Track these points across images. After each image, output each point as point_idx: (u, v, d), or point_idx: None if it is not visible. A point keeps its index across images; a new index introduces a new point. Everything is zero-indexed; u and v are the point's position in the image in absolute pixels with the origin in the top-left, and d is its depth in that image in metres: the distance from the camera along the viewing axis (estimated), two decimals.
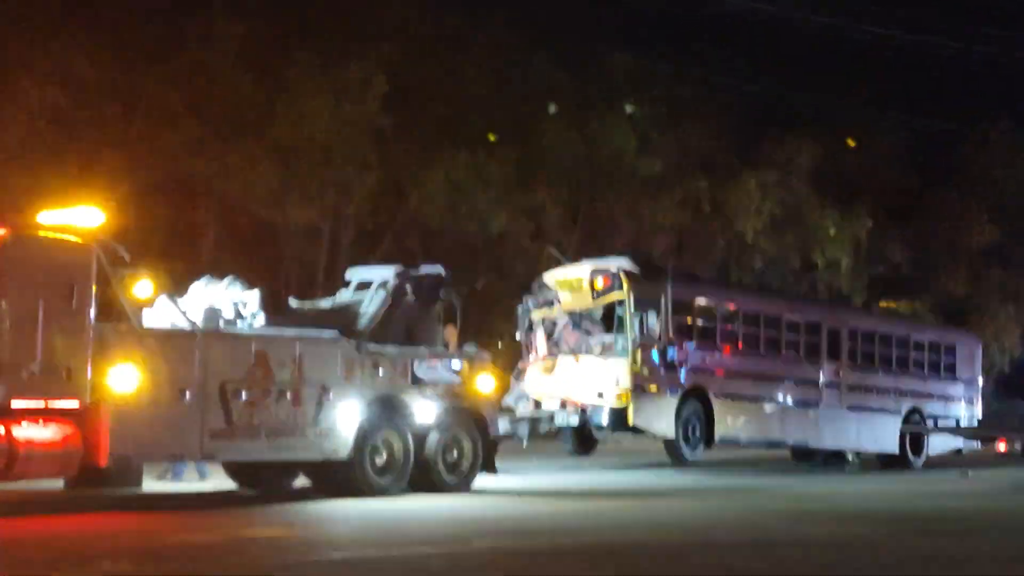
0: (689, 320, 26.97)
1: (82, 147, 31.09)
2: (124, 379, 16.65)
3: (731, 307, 28.38)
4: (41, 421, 15.96)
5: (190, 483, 20.92)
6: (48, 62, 31.12)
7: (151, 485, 19.65)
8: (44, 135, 30.70)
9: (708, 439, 26.91)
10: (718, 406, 26.93)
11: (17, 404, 15.84)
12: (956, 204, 53.79)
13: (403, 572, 12.29)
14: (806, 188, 48.31)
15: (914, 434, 31.31)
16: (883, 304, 49.69)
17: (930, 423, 31.69)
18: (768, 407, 28.27)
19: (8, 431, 15.59)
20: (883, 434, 30.73)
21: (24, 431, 15.72)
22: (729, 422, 27.27)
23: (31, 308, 15.96)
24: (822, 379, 29.61)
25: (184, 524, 16.08)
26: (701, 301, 27.61)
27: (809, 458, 30.74)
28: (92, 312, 16.55)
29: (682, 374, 26.37)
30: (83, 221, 17.16)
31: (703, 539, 15.50)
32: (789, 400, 28.73)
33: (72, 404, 16.28)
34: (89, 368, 16.40)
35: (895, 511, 19.85)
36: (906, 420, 31.26)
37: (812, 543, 15.39)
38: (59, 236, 16.63)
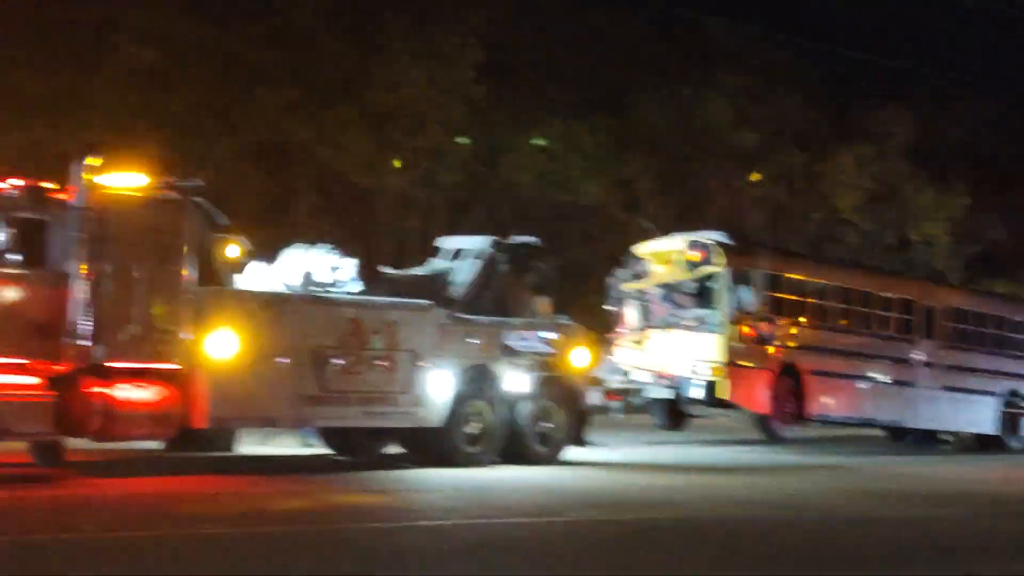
0: (783, 295, 26.68)
1: (179, 108, 31.32)
2: (221, 343, 16.77)
3: (825, 283, 28.02)
4: (142, 383, 16.11)
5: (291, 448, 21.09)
6: (144, 21, 31.33)
7: (247, 448, 19.79)
8: (141, 95, 30.95)
9: (800, 416, 26.64)
10: (811, 383, 26.63)
11: (117, 365, 16.01)
12: None
13: (493, 542, 12.26)
14: (902, 162, 47.67)
15: (1012, 415, 30.79)
16: (980, 283, 48.91)
17: None
18: (862, 385, 27.90)
19: (108, 392, 15.76)
20: (980, 415, 30.24)
21: (123, 392, 15.89)
22: (822, 399, 26.96)
23: (130, 270, 16.13)
24: (917, 358, 29.17)
25: (280, 488, 16.20)
26: (795, 276, 27.28)
27: (903, 437, 30.36)
28: (190, 275, 16.67)
29: (775, 350, 26.10)
30: (180, 183, 17.27)
31: (793, 516, 15.34)
32: (883, 378, 28.33)
33: (171, 366, 16.43)
34: (187, 331, 16.52)
35: (990, 493, 19.55)
36: (1004, 401, 30.74)
37: (904, 523, 15.18)
38: (157, 198, 16.74)
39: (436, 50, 35.73)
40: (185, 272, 16.64)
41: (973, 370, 30.33)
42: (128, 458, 17.96)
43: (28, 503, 13.83)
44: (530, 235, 22.72)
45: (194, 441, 18.04)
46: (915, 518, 15.83)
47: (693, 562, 11.54)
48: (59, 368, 15.56)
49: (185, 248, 16.67)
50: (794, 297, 26.94)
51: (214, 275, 17.34)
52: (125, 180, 16.70)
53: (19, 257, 15.24)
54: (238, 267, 18.29)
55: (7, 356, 15.24)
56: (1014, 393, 31.04)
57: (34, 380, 15.42)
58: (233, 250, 18.14)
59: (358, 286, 19.37)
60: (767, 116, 44.30)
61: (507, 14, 38.92)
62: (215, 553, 11.00)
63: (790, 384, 26.28)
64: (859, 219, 46.44)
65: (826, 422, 28.28)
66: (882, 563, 11.90)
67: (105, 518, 12.83)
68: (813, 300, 27.38)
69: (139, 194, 16.67)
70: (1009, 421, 30.75)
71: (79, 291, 15.55)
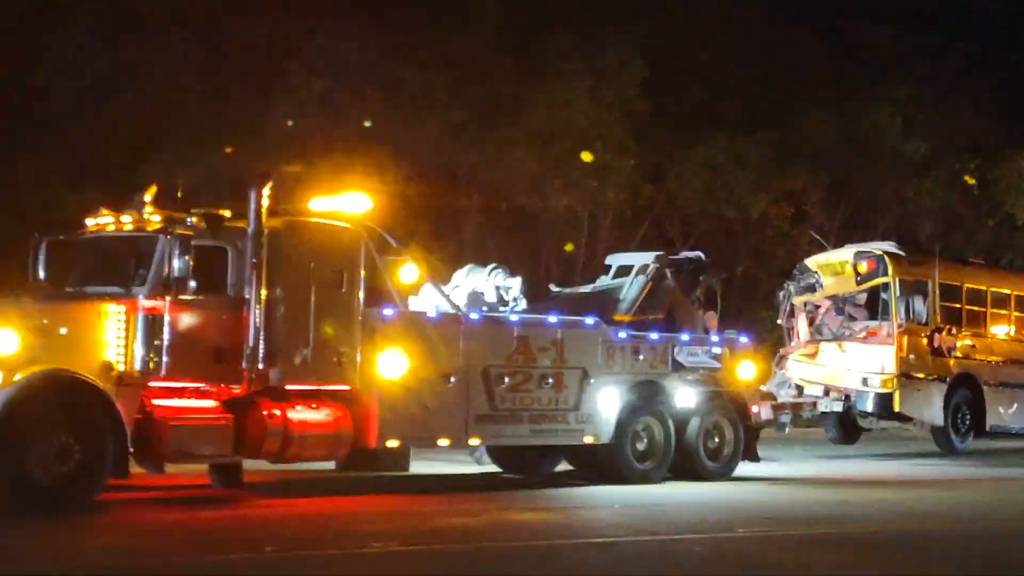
0: (957, 304, 26.22)
1: (348, 133, 31.88)
2: (392, 363, 17.04)
3: (1001, 291, 27.44)
4: (314, 404, 16.46)
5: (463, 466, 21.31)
6: (314, 48, 31.98)
7: (418, 467, 20.06)
8: (312, 121, 31.57)
9: (978, 428, 26.09)
10: (989, 394, 26.10)
11: (291, 387, 16.38)
12: None
13: (663, 559, 12.26)
14: None
15: None
16: None
17: None
18: None
19: (284, 414, 16.12)
20: None
21: (298, 414, 16.23)
22: (1001, 410, 26.41)
23: (304, 294, 16.47)
24: None
25: (450, 506, 16.37)
26: (969, 285, 26.80)
27: None
28: (361, 297, 16.98)
29: (950, 360, 25.64)
30: (351, 207, 17.62)
31: (970, 529, 15.04)
32: None
33: (343, 388, 16.75)
34: (359, 352, 16.84)
35: None
36: None
37: None
38: (329, 223, 17.11)
39: (599, 67, 35.80)
40: (358, 295, 16.96)
41: None
42: (302, 479, 18.33)
43: (209, 524, 14.21)
44: (697, 250, 22.70)
45: (366, 461, 18.32)
46: None
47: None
48: (236, 391, 15.97)
49: (357, 271, 16.98)
50: (968, 306, 26.45)
51: (387, 297, 17.66)
52: (298, 206, 17.11)
53: (197, 284, 15.66)
54: (412, 289, 18.60)
55: (187, 381, 15.67)
56: None
57: (212, 403, 15.83)
58: (408, 272, 18.46)
59: (525, 305, 19.54)
60: (937, 124, 43.45)
61: (670, 28, 38.82)
62: (389, 570, 11.19)
63: (966, 395, 25.79)
64: None
65: (1005, 434, 27.63)
66: None
67: (285, 537, 13.13)
68: (989, 308, 26.83)
69: (310, 220, 17.05)
70: None
71: (255, 316, 15.94)
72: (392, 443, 17.30)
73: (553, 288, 22.70)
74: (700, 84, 39.53)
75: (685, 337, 20.18)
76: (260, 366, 15.93)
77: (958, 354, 25.77)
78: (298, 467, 17.67)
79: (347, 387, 16.78)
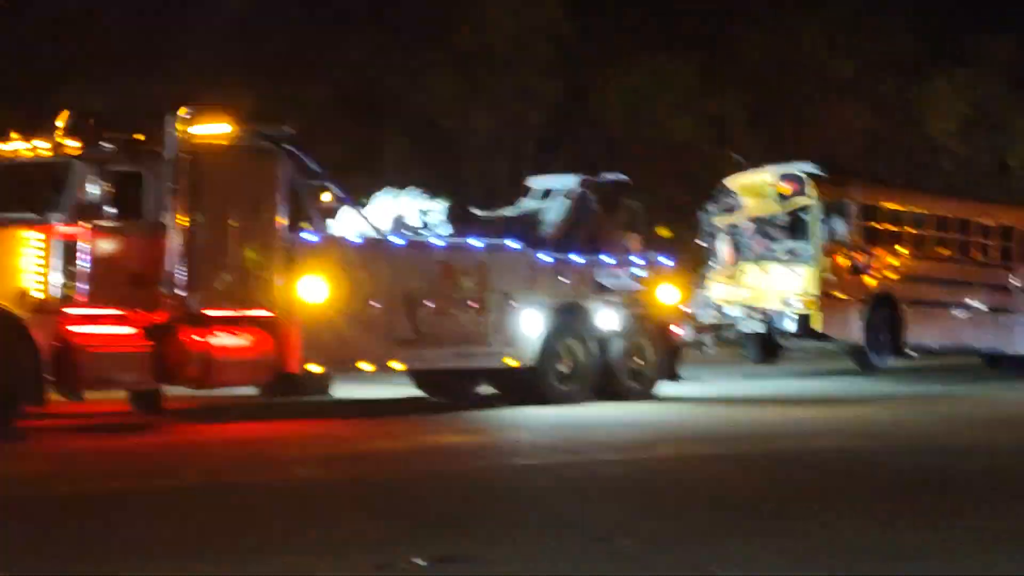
0: (877, 225, 26.39)
1: (267, 56, 31.52)
2: (314, 288, 16.96)
3: (920, 212, 27.67)
4: (235, 330, 16.37)
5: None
6: None
7: (341, 392, 20.04)
8: (228, 43, 31.15)
9: (897, 346, 26.42)
10: (907, 313, 26.37)
11: (212, 313, 16.27)
12: None
13: (588, 478, 12.36)
14: (1001, 86, 46.75)
15: None
16: None
17: None
18: (959, 313, 27.57)
19: (204, 340, 16.04)
20: None
21: (219, 340, 16.15)
22: (919, 329, 26.69)
23: (223, 219, 16.35)
24: (1015, 284, 28.78)
25: (373, 431, 16.39)
26: (889, 206, 26.97)
27: (1000, 365, 29.99)
28: (282, 222, 16.85)
29: (870, 280, 25.87)
30: (271, 131, 17.43)
31: (888, 446, 15.27)
32: (981, 306, 27.99)
33: (264, 313, 16.67)
34: (280, 277, 16.74)
35: None
36: None
37: (1007, 450, 15.05)
38: (248, 147, 16.93)
39: None
40: (278, 220, 16.83)
41: None
42: (224, 405, 18.27)
43: (130, 451, 14.15)
44: (620, 173, 22.68)
45: (289, 386, 18.28)
46: (1019, 445, 15.68)
47: (784, 493, 11.55)
48: (156, 318, 15.85)
49: (278, 196, 16.84)
50: (889, 227, 26.64)
51: (309, 222, 17.55)
52: (216, 130, 16.90)
53: (114, 210, 15.47)
54: (331, 213, 18.48)
55: (105, 307, 15.53)
56: None
57: (131, 330, 15.70)
58: (331, 196, 18.35)
59: (448, 228, 19.48)
60: (862, 44, 43.64)
61: None
62: (314, 496, 11.19)
63: (885, 314, 26.06)
64: (954, 145, 45.69)
65: (923, 352, 28.01)
66: (992, 491, 11.80)
67: (207, 464, 13.09)
68: (908, 229, 27.05)
69: (231, 143, 16.87)
70: None
71: (174, 242, 15.79)
72: (314, 368, 17.27)
73: (476, 211, 22.62)
74: (625, 4, 39.40)
75: (607, 259, 20.24)
76: (180, 292, 15.83)
77: (877, 274, 26.00)
78: (220, 393, 17.59)
79: (269, 312, 16.70)
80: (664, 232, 21.29)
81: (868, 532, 9.65)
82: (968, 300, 27.72)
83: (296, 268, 16.90)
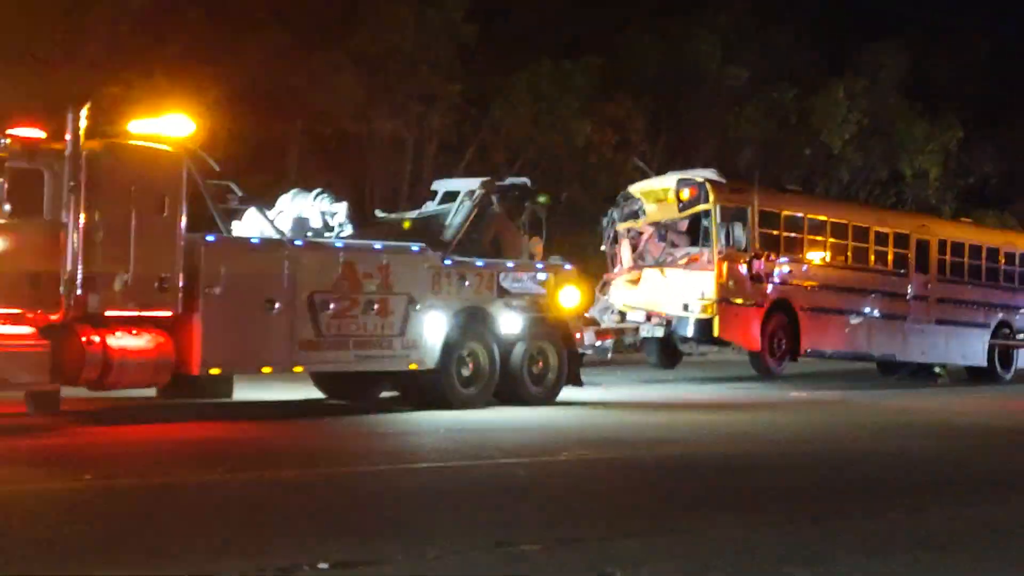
0: (775, 232, 26.73)
1: (168, 55, 31.17)
2: (216, 289, 16.82)
3: (818, 219, 28.06)
4: (134, 331, 16.20)
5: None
6: None
7: (242, 394, 19.89)
8: (129, 42, 30.77)
9: (794, 352, 26.77)
10: (804, 319, 26.73)
11: (111, 314, 16.09)
12: None
13: (490, 482, 12.39)
14: (895, 96, 47.58)
15: (1003, 347, 30.97)
16: (972, 216, 48.98)
17: (1020, 336, 31.29)
18: (855, 320, 28.03)
19: (103, 340, 15.87)
20: (971, 347, 30.43)
21: (118, 340, 15.98)
22: (815, 335, 27.08)
23: (123, 218, 16.17)
24: (910, 292, 29.30)
25: (274, 434, 16.31)
26: (787, 212, 27.35)
27: (896, 371, 30.54)
28: (183, 222, 16.71)
29: (768, 286, 26.19)
30: (173, 131, 17.31)
31: (784, 451, 15.48)
32: (876, 313, 28.47)
33: (164, 314, 16.51)
34: (181, 278, 16.59)
35: (981, 425, 19.71)
36: (995, 333, 30.91)
37: (896, 456, 15.34)
38: (149, 146, 16.79)
39: None
40: (180, 219, 16.68)
41: (965, 303, 30.49)
42: (123, 406, 18.06)
43: (25, 452, 13.93)
44: (522, 176, 22.79)
45: (189, 388, 18.11)
46: (907, 450, 16.00)
47: (678, 496, 11.67)
48: (53, 318, 15.64)
49: (179, 196, 16.69)
50: (786, 233, 27.01)
51: (210, 222, 17.42)
52: (117, 128, 16.72)
53: (11, 207, 15.25)
54: (234, 214, 18.35)
55: (1, 306, 15.29)
56: (1005, 325, 31.22)
57: (29, 330, 15.50)
58: (233, 196, 18.22)
59: (351, 230, 19.43)
60: (758, 52, 44.18)
61: None
62: (210, 499, 11.10)
63: (783, 320, 26.41)
64: (851, 154, 46.41)
65: (819, 357, 28.43)
66: (874, 495, 12.04)
67: (104, 465, 12.93)
68: (805, 236, 27.44)
69: (130, 143, 16.70)
70: (1000, 353, 30.94)
71: (73, 241, 15.59)
72: (215, 370, 17.14)
73: (379, 214, 22.62)
74: (527, 9, 39.52)
75: (510, 263, 20.30)
76: (78, 292, 15.65)
77: (775, 280, 26.33)
78: (118, 394, 17.40)
79: (169, 313, 16.54)
80: (545, 199, 21.31)
81: (757, 533, 9.80)
82: (864, 307, 28.18)
83: (197, 269, 16.74)
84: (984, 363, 30.70)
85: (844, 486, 12.70)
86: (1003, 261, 31.91)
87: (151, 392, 18.20)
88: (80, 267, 15.64)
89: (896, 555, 9.15)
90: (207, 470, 12.75)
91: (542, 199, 21.40)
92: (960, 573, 8.70)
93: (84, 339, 15.76)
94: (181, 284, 16.59)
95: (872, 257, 28.76)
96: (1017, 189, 52.59)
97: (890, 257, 29.10)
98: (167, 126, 17.61)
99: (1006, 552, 9.42)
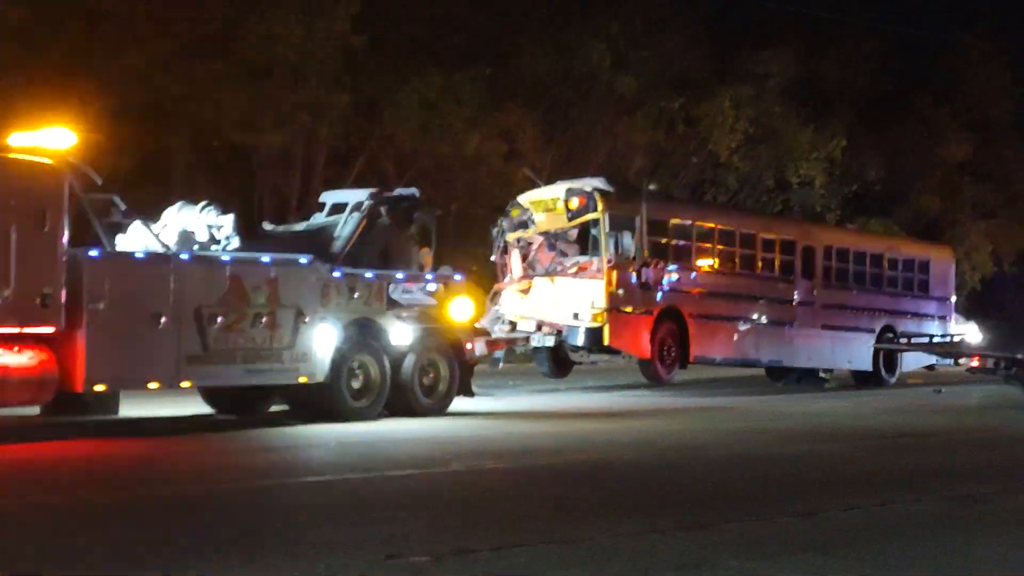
0: (664, 240, 26.93)
1: (48, 67, 30.66)
2: (99, 305, 16.54)
3: (706, 226, 28.33)
4: (16, 348, 15.88)
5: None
6: None
7: (128, 411, 19.59)
8: (7, 53, 30.22)
9: (683, 359, 26.98)
10: (693, 326, 26.96)
11: None
12: (931, 114, 53.74)
13: (380, 494, 12.31)
14: (781, 104, 48.21)
15: (888, 351, 31.48)
16: (857, 221, 49.80)
17: (903, 341, 31.85)
18: (743, 326, 28.34)
19: None
20: (857, 352, 30.90)
21: None
22: (704, 342, 27.33)
23: (3, 234, 15.84)
24: (796, 298, 29.69)
25: (160, 450, 16.08)
26: (676, 221, 27.57)
27: (784, 377, 30.90)
28: (65, 237, 16.41)
29: (657, 294, 26.38)
30: (53, 144, 17.02)
31: (676, 457, 15.57)
32: (764, 319, 28.80)
33: (47, 330, 16.19)
34: (64, 293, 16.28)
35: (868, 428, 20.00)
36: (879, 338, 31.42)
37: (786, 459, 15.52)
38: (29, 159, 16.47)
39: (311, 1, 35.30)
40: (62, 234, 16.37)
41: (850, 308, 30.98)
42: (5, 425, 17.68)
43: None
44: (412, 187, 22.72)
45: (73, 406, 17.79)
46: (796, 455, 16.18)
47: (576, 506, 11.67)
48: None
49: (60, 210, 16.37)
50: (675, 241, 27.23)
51: (93, 237, 17.12)
52: None
53: None
54: (118, 228, 18.07)
55: None
56: (889, 329, 31.77)
57: None
58: (116, 210, 17.94)
59: (238, 243, 19.23)
60: (647, 60, 44.52)
61: None
62: (94, 519, 10.90)
63: (672, 328, 26.60)
64: (738, 162, 46.94)
65: (708, 364, 28.68)
66: (765, 500, 12.15)
67: None
68: (694, 243, 27.68)
69: (9, 156, 16.37)
70: (885, 357, 31.45)
71: None
72: (100, 387, 16.86)
73: (267, 226, 22.41)
74: (415, 19, 39.46)
75: (400, 275, 20.22)
76: None
77: (664, 288, 26.52)
78: None
79: (52, 329, 16.23)
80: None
81: (649, 541, 9.83)
82: (751, 313, 28.49)
83: (80, 284, 16.45)
84: (870, 367, 31.20)
85: (736, 491, 12.79)
86: (887, 267, 32.48)
87: (34, 411, 17.87)
88: None
89: (783, 558, 9.23)
90: (93, 490, 12.51)
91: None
92: (846, 575, 8.79)
93: None
94: (64, 300, 16.29)
95: (759, 264, 29.10)
96: (900, 195, 53.59)
97: (776, 264, 29.47)
98: (47, 139, 17.32)
99: (895, 553, 9.53)
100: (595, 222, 25.92)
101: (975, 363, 29.96)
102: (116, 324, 16.72)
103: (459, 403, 20.79)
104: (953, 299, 35.49)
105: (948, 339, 32.91)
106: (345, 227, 20.45)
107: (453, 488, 12.90)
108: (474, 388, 21.26)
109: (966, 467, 15.18)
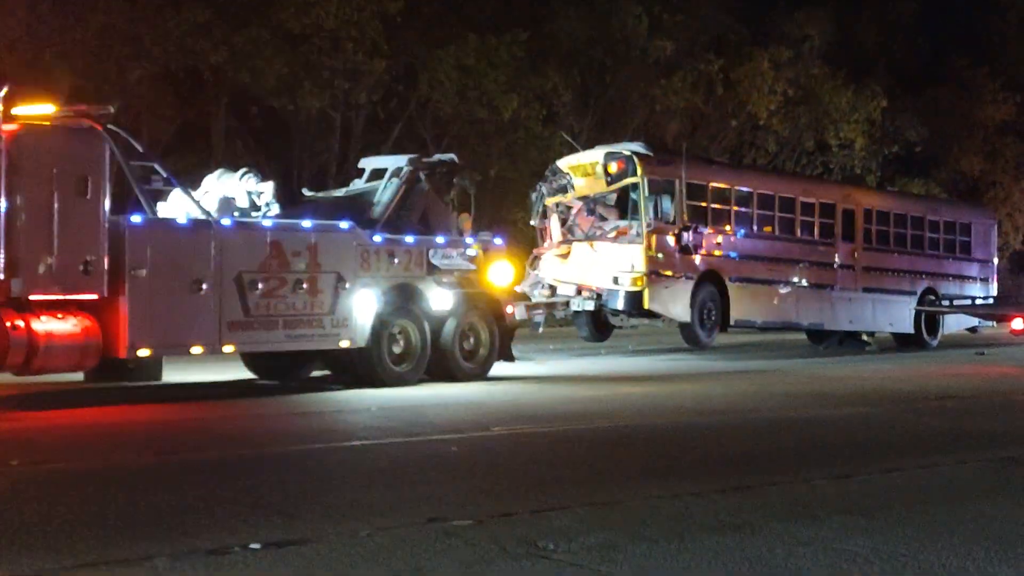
0: (703, 203, 26.87)
1: (88, 35, 30.77)
2: (142, 271, 16.66)
3: (745, 190, 28.24)
4: (60, 315, 16.01)
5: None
6: None
7: (171, 377, 19.74)
8: (49, 21, 30.34)
9: (724, 322, 26.96)
10: (733, 289, 26.93)
11: (35, 298, 15.89)
12: (970, 75, 53.27)
13: (423, 458, 12.37)
14: (819, 66, 47.86)
15: (929, 314, 31.34)
16: (897, 184, 49.50)
17: (946, 303, 31.69)
18: (783, 290, 28.27)
19: (27, 325, 15.67)
20: (898, 315, 30.79)
21: (43, 325, 15.79)
22: (744, 305, 27.28)
23: (46, 201, 15.95)
24: (837, 261, 29.58)
25: (203, 415, 16.19)
26: (715, 184, 27.48)
27: (825, 340, 30.82)
28: (108, 204, 16.51)
29: (697, 258, 26.33)
30: (94, 112, 17.07)
31: (717, 421, 15.57)
32: (804, 282, 28.72)
33: (90, 297, 16.33)
34: (107, 261, 16.40)
35: (910, 391, 19.91)
36: (921, 300, 31.29)
37: (828, 423, 15.49)
38: (71, 128, 16.56)
39: None
40: (104, 201, 16.48)
41: (891, 271, 30.86)
42: (50, 391, 17.86)
43: None
44: (450, 153, 22.73)
45: (118, 371, 17.95)
46: (837, 417, 16.15)
47: (616, 470, 11.70)
48: None
49: (102, 178, 16.48)
50: (714, 205, 27.16)
51: (135, 203, 17.23)
52: (37, 110, 16.48)
53: None
54: (159, 195, 18.17)
55: None
56: (931, 292, 31.63)
57: None
58: (159, 176, 18.05)
59: (278, 209, 19.31)
60: (684, 24, 44.25)
61: None
62: (142, 481, 11.01)
63: (712, 291, 26.57)
64: (777, 124, 46.67)
65: (749, 327, 28.63)
66: (806, 463, 12.14)
67: (32, 450, 12.78)
68: (733, 207, 27.61)
69: (52, 124, 16.47)
70: (927, 320, 31.32)
71: None
72: (143, 352, 16.97)
73: (306, 192, 22.50)
74: None
75: (440, 240, 20.26)
76: (1, 276, 15.40)
77: (704, 252, 26.47)
78: (45, 379, 17.20)
79: (95, 296, 16.36)
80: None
81: (689, 503, 9.86)
82: (792, 277, 28.41)
83: (123, 251, 16.57)
84: (911, 330, 31.08)
85: (777, 454, 12.79)
86: (928, 229, 32.30)
87: (79, 376, 18.04)
88: (2, 251, 15.43)
89: (823, 521, 9.23)
90: (135, 454, 12.64)
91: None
92: (886, 538, 8.78)
93: (8, 324, 15.55)
94: (106, 267, 16.41)
95: (799, 227, 28.99)
96: (940, 157, 53.20)
97: (816, 227, 29.35)
98: (89, 107, 17.37)
99: (933, 517, 9.52)
100: (634, 186, 25.88)
101: (1019, 324, 29.71)
102: (158, 290, 16.84)
103: (499, 368, 20.84)
104: (995, 261, 35.26)
105: (990, 301, 32.71)
106: (385, 193, 20.49)
107: (493, 452, 12.95)
108: (514, 352, 21.30)
109: (1010, 430, 15.12)
